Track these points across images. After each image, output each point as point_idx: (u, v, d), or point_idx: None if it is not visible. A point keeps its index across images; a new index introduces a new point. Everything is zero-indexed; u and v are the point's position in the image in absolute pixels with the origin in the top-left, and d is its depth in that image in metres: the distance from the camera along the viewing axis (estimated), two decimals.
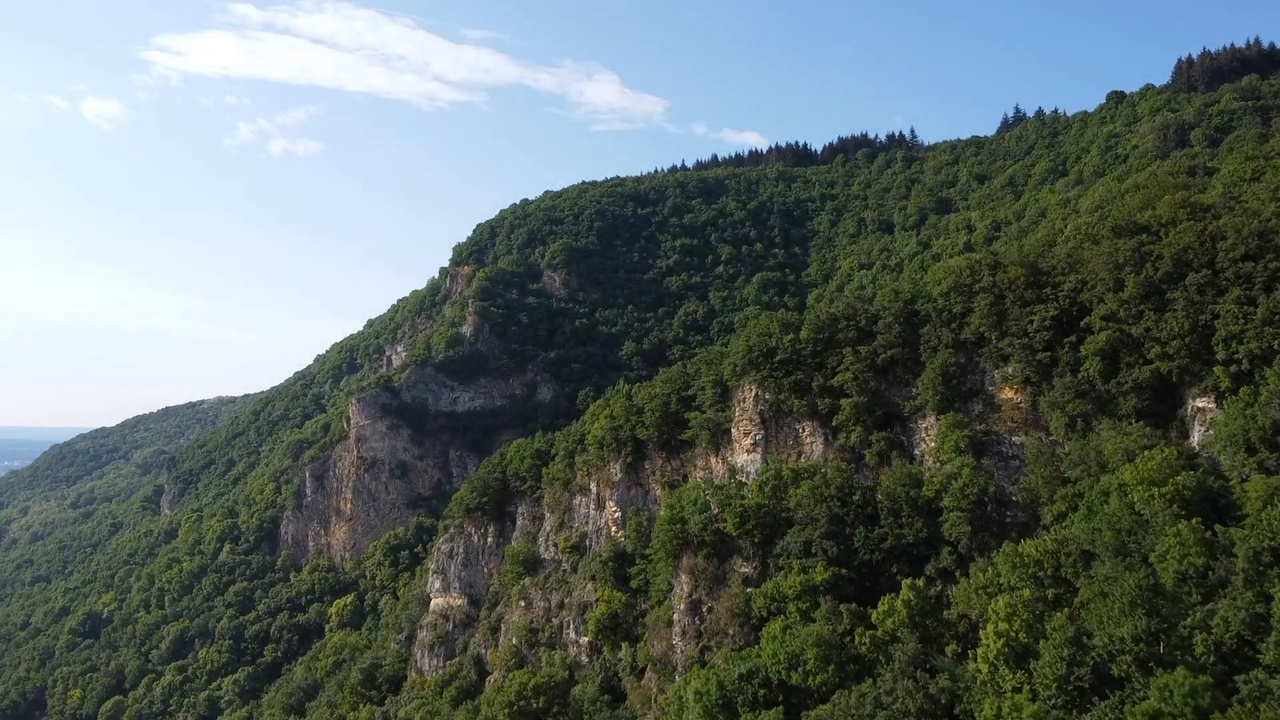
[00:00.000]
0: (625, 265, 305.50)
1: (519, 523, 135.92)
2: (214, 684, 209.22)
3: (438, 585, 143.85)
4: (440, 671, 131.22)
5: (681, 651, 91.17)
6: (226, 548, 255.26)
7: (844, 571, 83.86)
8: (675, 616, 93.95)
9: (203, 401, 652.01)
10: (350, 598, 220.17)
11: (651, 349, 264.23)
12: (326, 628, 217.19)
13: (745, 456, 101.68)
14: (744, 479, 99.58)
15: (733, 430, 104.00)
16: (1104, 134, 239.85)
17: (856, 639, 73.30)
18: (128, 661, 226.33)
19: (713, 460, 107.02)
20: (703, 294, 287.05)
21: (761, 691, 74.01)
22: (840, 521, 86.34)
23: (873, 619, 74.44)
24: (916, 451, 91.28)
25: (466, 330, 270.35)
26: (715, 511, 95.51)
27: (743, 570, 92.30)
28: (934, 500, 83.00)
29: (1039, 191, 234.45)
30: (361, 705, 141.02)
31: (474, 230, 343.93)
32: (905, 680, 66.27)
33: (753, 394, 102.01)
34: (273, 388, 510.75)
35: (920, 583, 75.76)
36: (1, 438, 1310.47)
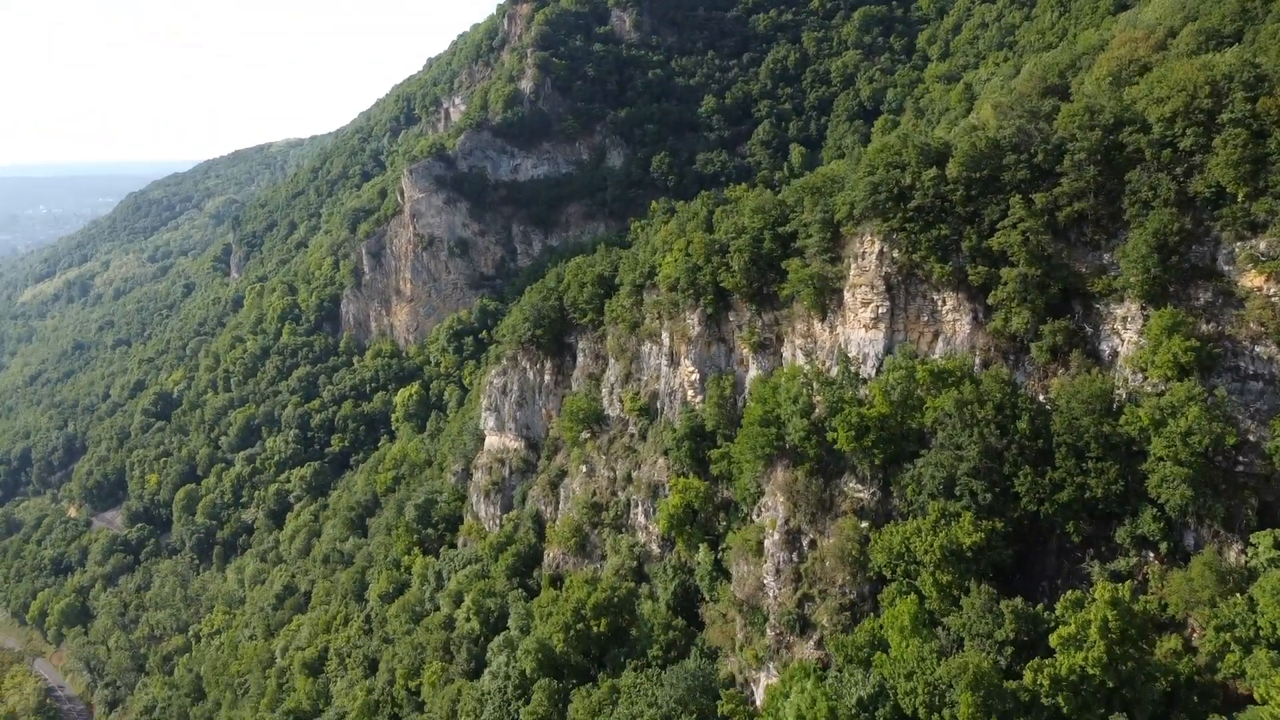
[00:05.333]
0: (705, 1, 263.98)
1: (579, 360, 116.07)
2: (282, 476, 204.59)
3: (491, 423, 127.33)
4: (498, 528, 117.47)
5: (775, 597, 72.52)
6: (287, 328, 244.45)
7: (999, 526, 62.44)
8: (767, 546, 74.60)
9: (270, 145, 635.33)
10: (415, 387, 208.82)
11: (734, 105, 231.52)
12: (393, 418, 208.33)
13: (862, 333, 77.39)
14: (859, 367, 76.37)
15: (846, 294, 79.00)
16: None
17: (1029, 678, 52.64)
18: (198, 448, 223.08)
19: (816, 326, 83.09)
20: (795, 35, 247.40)
21: None
22: (997, 456, 63.70)
23: (1051, 641, 53.40)
24: (1105, 348, 66.08)
25: (526, 86, 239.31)
26: (821, 414, 73.44)
27: (857, 495, 71.40)
28: (1137, 439, 59.49)
29: None
30: (416, 550, 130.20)
31: None
32: None
33: (876, 248, 76.19)
34: (337, 130, 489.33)
35: (1124, 591, 53.73)
36: (81, 174, 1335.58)
